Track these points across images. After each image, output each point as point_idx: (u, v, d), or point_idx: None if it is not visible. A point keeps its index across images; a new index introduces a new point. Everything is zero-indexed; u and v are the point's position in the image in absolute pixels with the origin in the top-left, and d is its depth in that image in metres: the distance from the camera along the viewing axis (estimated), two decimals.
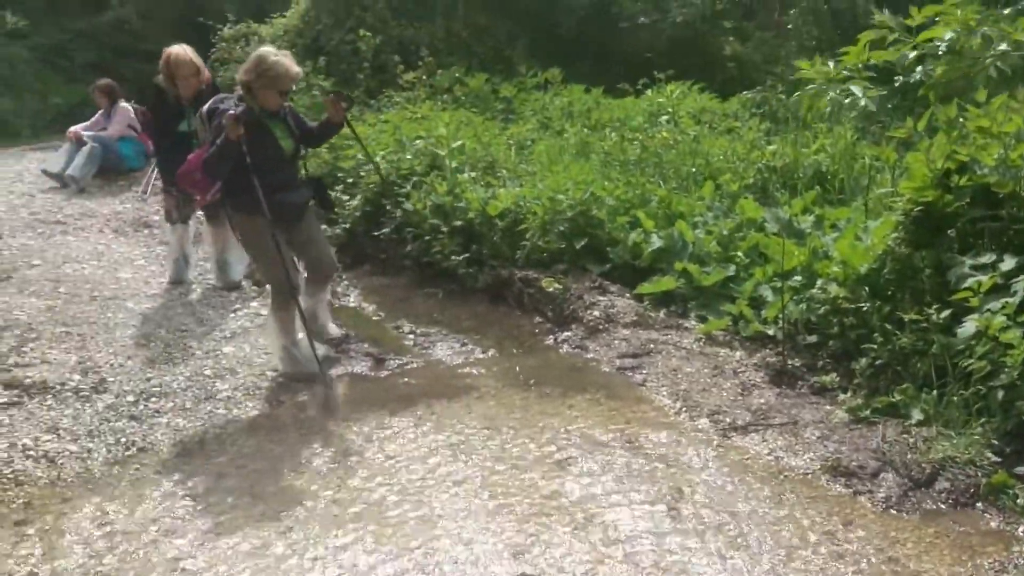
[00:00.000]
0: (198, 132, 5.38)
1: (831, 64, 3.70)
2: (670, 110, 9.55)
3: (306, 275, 5.44)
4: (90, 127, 10.63)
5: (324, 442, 4.31)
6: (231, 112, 4.77)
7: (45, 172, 10.32)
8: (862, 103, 3.64)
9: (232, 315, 6.14)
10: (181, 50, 6.28)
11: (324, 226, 7.70)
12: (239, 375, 5.15)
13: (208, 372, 5.19)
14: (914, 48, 3.63)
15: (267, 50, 5.01)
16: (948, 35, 3.60)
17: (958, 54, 3.51)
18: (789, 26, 13.93)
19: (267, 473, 4.00)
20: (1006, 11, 3.11)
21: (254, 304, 6.38)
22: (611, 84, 11.32)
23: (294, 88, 5.17)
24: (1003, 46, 3.21)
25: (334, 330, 5.68)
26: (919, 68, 3.61)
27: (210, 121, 5.05)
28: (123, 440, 4.35)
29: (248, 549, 3.41)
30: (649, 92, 10.34)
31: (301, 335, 5.16)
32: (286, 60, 4.93)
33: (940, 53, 3.41)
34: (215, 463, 4.12)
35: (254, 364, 5.31)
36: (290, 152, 5.14)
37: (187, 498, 3.81)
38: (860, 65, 3.68)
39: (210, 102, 5.22)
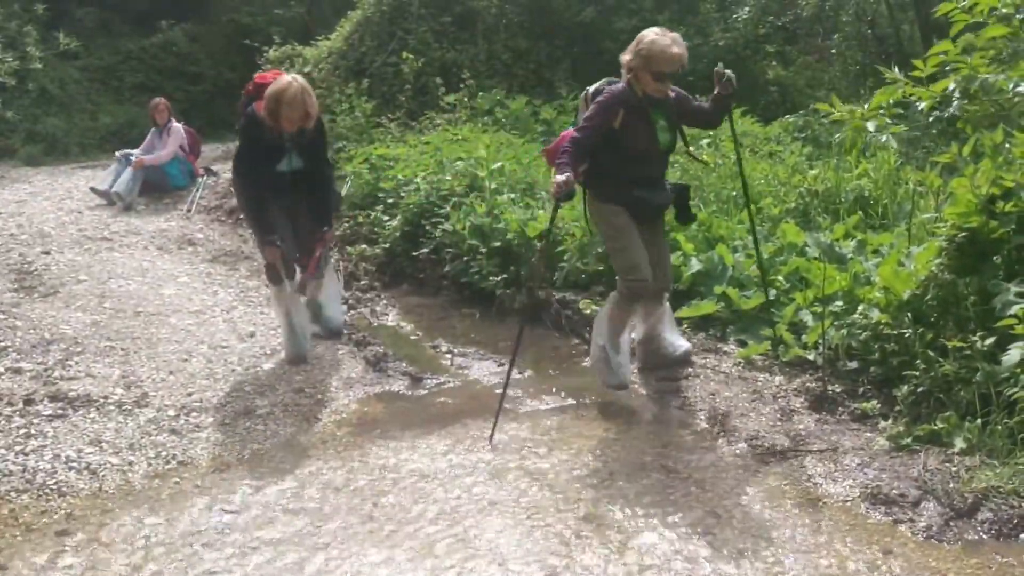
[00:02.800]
0: (578, 113, 4.94)
1: (864, 106, 3.71)
2: (711, 133, 9.52)
3: None
4: (145, 147, 10.93)
5: (361, 459, 4.33)
6: (561, 178, 4.36)
7: (93, 190, 10.56)
8: (883, 139, 3.65)
9: (273, 332, 6.20)
10: (296, 88, 5.24)
11: (364, 246, 7.79)
12: (278, 392, 5.19)
13: (248, 388, 5.25)
14: (930, 97, 3.65)
15: (650, 30, 4.59)
16: (952, 85, 3.60)
17: (976, 97, 3.50)
18: (832, 51, 13.89)
19: (303, 489, 4.03)
20: None
21: None
22: None
23: (673, 71, 4.55)
24: (1022, 87, 3.18)
25: (680, 342, 5.25)
26: (955, 103, 3.59)
27: (593, 98, 4.74)
28: (163, 454, 4.41)
29: (283, 564, 3.43)
30: None
31: (626, 336, 4.89)
32: (664, 40, 4.49)
33: (955, 99, 3.41)
34: (252, 478, 4.15)
35: (293, 381, 5.35)
36: (665, 146, 4.73)
37: (224, 512, 3.84)
38: (891, 102, 3.68)
39: (599, 83, 4.85)
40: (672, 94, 4.71)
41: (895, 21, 13.30)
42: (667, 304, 5.21)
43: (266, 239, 5.50)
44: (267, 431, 4.70)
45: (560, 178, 4.37)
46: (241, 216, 9.09)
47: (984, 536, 3.50)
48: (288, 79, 5.30)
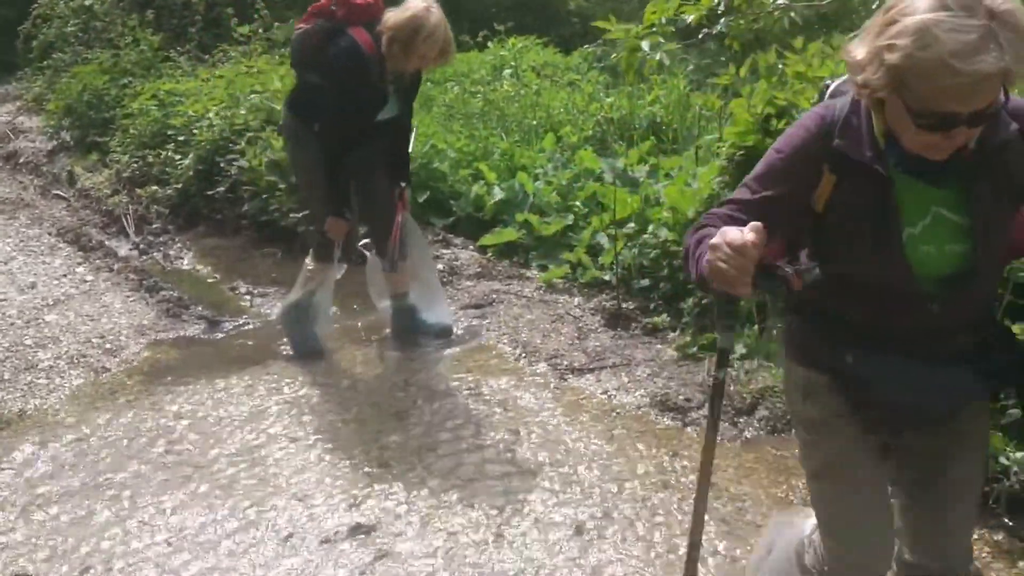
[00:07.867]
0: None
1: (637, 25, 3.79)
2: (513, 64, 9.57)
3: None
4: None
5: (152, 407, 4.15)
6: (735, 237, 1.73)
7: None
8: (657, 58, 3.74)
9: (56, 282, 5.81)
10: (438, 18, 4.19)
11: (155, 187, 7.34)
12: (62, 343, 4.89)
13: (29, 341, 4.91)
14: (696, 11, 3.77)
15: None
16: None
17: (739, 10, 3.66)
18: None
19: (91, 441, 3.83)
20: None
21: (80, 270, 6.05)
22: (456, 39, 11.25)
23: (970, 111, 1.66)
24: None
25: None
26: (722, 21, 3.74)
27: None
28: None
29: (69, 520, 3.27)
30: (490, 45, 10.33)
31: None
32: (953, 40, 1.57)
33: (720, 11, 3.55)
34: (35, 434, 3.91)
35: (79, 332, 5.04)
36: (955, 271, 1.89)
37: (4, 471, 3.61)
38: (664, 20, 3.78)
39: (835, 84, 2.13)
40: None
41: None
42: None
43: (337, 210, 4.37)
44: (51, 385, 4.42)
45: (729, 237, 1.76)
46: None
47: (761, 432, 3.76)
48: (423, 4, 4.19)
